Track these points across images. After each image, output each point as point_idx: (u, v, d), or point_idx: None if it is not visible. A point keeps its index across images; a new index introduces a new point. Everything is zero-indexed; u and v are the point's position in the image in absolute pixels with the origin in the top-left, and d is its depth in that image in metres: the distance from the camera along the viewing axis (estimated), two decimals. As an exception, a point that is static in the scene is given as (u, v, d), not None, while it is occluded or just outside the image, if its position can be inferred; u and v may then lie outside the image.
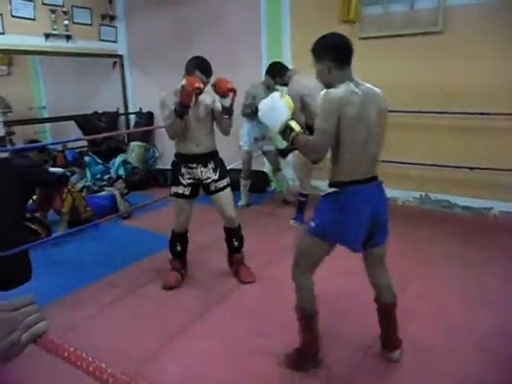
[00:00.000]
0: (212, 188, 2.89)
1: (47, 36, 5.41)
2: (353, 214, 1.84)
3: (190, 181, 2.87)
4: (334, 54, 1.83)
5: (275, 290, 2.85)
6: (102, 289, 2.98)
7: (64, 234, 3.76)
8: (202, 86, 2.59)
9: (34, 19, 5.24)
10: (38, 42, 5.33)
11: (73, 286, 3.00)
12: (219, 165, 2.93)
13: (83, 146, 6.21)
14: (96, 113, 6.40)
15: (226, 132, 2.87)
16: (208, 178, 2.86)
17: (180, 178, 2.86)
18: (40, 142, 6.16)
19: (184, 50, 5.81)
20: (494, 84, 3.93)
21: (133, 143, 6.26)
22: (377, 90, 1.90)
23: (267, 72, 4.30)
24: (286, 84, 4.03)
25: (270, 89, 4.14)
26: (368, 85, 1.88)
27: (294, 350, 2.11)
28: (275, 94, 1.96)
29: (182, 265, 3.07)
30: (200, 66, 2.70)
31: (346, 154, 1.81)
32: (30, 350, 0.70)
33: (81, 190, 4.68)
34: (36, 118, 6.92)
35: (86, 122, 6.23)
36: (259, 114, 2.01)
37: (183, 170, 2.86)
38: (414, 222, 4.08)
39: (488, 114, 3.91)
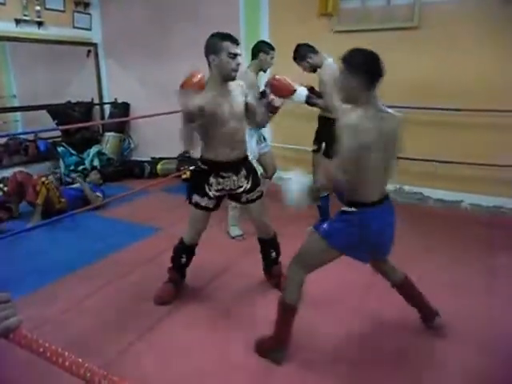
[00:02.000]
0: (243, 200, 2.58)
1: (18, 22, 5.23)
2: (370, 236, 1.91)
3: (217, 193, 2.49)
4: (369, 72, 1.79)
5: (252, 285, 2.87)
6: (77, 281, 2.93)
7: (38, 225, 3.68)
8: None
9: (3, 4, 5.05)
10: (7, 28, 5.14)
11: (46, 279, 2.94)
12: (251, 171, 2.58)
13: (57, 137, 6.06)
14: (69, 102, 6.24)
15: (263, 124, 2.69)
16: (239, 187, 2.51)
17: (206, 188, 2.46)
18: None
19: (160, 40, 5.75)
20: (466, 80, 4.02)
21: (108, 134, 6.15)
22: (395, 114, 1.92)
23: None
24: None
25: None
26: (388, 110, 1.90)
27: (265, 338, 2.15)
28: (290, 179, 1.96)
29: (180, 277, 2.74)
30: (226, 35, 2.32)
31: (364, 177, 1.84)
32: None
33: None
34: (5, 106, 6.70)
35: (59, 112, 6.07)
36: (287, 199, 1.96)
37: (212, 179, 2.45)
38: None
39: (461, 109, 4.00)
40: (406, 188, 4.60)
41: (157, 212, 4.38)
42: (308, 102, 3.11)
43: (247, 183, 2.52)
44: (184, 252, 2.66)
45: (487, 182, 4.15)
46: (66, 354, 0.68)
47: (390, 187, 4.51)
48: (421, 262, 3.12)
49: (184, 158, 5.69)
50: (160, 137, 5.89)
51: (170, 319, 2.49)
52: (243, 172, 2.51)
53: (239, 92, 2.42)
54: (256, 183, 2.58)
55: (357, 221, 1.89)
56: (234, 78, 2.33)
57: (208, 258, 3.09)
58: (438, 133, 4.29)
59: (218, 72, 2.31)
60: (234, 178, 2.48)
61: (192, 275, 2.98)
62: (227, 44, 2.26)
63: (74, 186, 4.67)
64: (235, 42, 2.30)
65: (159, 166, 5.70)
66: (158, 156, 5.95)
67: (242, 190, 2.52)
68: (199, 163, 2.52)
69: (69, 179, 5.10)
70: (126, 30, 5.98)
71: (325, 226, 1.98)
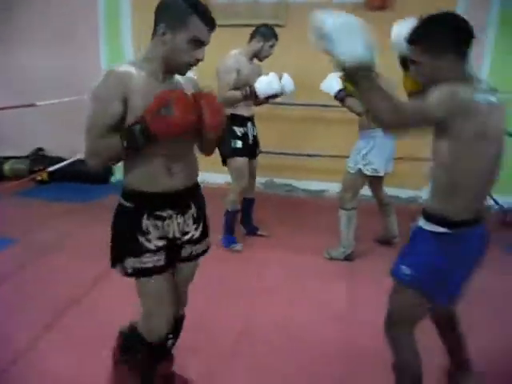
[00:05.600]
0: (185, 254, 1.61)
1: None
2: (462, 263, 1.49)
3: (160, 243, 1.50)
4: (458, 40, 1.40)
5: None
6: None
7: None
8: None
9: None
10: None
11: None
12: (202, 209, 1.65)
13: None
14: None
15: (208, 152, 1.67)
16: (186, 233, 1.57)
17: (141, 239, 1.47)
18: None
19: (1, 27, 4.93)
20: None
21: None
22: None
23: None
24: None
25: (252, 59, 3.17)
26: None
27: None
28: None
29: None
30: (199, 5, 1.35)
31: (466, 181, 1.38)
32: None
33: None
34: None
35: None
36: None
37: (145, 222, 1.47)
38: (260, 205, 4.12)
39: (327, 106, 4.28)
40: (276, 180, 4.81)
41: (8, 220, 3.77)
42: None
43: (195, 228, 1.60)
44: (142, 349, 1.59)
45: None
46: None
47: (260, 180, 4.72)
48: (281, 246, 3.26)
49: (38, 157, 5.02)
50: (5, 133, 5.10)
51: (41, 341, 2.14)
52: (192, 210, 1.58)
53: (190, 88, 1.52)
54: (206, 229, 1.66)
55: (447, 243, 1.44)
56: (184, 74, 1.48)
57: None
58: (306, 128, 4.54)
59: (164, 55, 1.39)
60: (179, 219, 1.53)
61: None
62: (196, 21, 1.34)
63: None
64: (210, 22, 1.38)
65: (7, 167, 4.92)
66: (3, 155, 5.13)
67: (187, 237, 1.59)
68: (122, 200, 1.51)
69: None
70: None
71: (403, 267, 1.49)
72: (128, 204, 1.49)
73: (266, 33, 3.10)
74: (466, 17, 1.39)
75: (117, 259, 1.52)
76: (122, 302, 2.14)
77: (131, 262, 1.48)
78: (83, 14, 4.75)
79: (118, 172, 5.04)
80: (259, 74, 3.10)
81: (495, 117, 1.38)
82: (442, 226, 1.42)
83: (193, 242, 1.60)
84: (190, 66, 1.42)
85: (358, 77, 1.26)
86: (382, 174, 3.09)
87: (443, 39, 1.36)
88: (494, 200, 3.72)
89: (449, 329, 1.79)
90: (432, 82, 1.36)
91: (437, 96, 1.29)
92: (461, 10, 4.14)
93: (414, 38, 1.41)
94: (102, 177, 4.94)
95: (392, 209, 3.38)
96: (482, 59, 4.14)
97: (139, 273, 1.49)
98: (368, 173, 3.04)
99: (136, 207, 1.48)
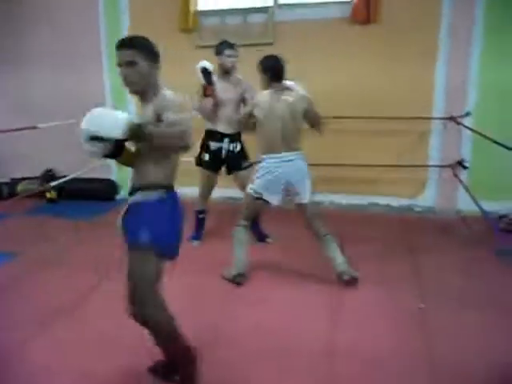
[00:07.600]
0: None
1: None
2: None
3: None
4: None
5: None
6: None
7: None
8: None
9: None
10: None
11: None
12: None
13: None
14: None
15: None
16: None
17: None
18: None
19: (13, 46, 5.25)
20: (318, 95, 4.35)
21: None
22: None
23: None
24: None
25: None
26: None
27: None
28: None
29: None
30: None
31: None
32: None
33: None
34: None
35: None
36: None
37: None
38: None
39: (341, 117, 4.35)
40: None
41: (14, 236, 4.00)
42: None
43: None
44: None
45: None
46: None
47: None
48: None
49: (47, 177, 5.27)
50: (19, 155, 5.40)
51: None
52: None
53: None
54: None
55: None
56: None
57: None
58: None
59: None
60: None
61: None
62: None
63: None
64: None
65: (20, 187, 5.20)
66: (18, 176, 5.41)
67: None
68: None
69: None
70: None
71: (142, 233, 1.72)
72: None
73: (217, 48, 3.47)
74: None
75: None
76: (112, 314, 2.35)
77: None
78: (87, 40, 5.04)
79: (124, 190, 5.25)
80: (236, 86, 3.50)
81: None
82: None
83: None
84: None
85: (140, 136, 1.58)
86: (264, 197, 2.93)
87: None
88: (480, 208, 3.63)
89: None
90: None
91: None
92: (446, 22, 4.23)
93: None
94: (108, 194, 5.16)
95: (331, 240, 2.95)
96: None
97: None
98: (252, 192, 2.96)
99: None
